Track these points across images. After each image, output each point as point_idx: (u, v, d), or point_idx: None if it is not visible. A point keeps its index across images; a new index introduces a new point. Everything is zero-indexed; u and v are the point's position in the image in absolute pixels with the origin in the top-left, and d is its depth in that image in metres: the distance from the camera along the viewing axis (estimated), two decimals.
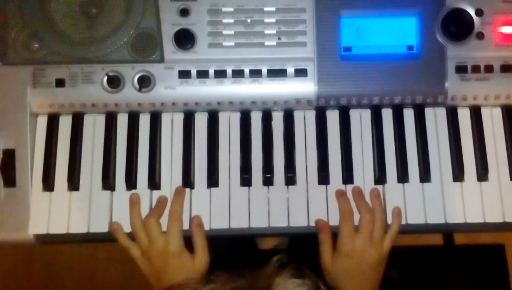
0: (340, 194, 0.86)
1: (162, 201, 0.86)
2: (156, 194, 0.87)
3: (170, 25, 0.88)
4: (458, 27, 0.88)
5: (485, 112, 0.90)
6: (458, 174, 0.87)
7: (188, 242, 0.84)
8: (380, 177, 0.87)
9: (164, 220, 0.85)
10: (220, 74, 0.88)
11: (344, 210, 0.84)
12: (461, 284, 1.25)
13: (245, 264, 1.11)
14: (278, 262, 0.71)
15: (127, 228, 0.85)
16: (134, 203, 0.85)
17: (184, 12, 0.88)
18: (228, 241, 0.88)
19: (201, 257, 0.83)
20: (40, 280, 1.62)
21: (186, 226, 0.85)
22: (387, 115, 0.90)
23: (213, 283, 0.68)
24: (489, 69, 0.88)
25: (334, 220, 0.85)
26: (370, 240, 0.82)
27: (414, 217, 0.86)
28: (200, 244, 0.83)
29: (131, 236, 0.85)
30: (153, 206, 0.86)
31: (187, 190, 0.87)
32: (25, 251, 1.59)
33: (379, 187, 0.87)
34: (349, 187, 0.87)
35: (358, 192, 0.86)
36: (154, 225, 0.83)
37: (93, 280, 1.62)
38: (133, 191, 0.87)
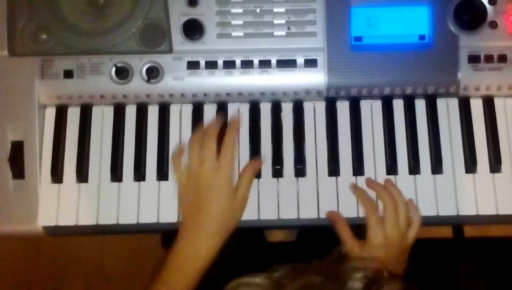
0: (356, 187, 0.85)
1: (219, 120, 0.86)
2: (164, 185, 0.87)
3: (178, 15, 0.87)
4: (471, 16, 0.86)
5: (498, 103, 0.89)
6: (470, 165, 0.86)
7: None
8: (391, 169, 0.87)
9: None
10: (229, 64, 0.87)
11: (366, 201, 0.83)
12: (471, 276, 1.24)
13: (254, 256, 1.11)
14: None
15: (142, 219, 0.85)
16: (201, 130, 0.85)
17: (193, 2, 0.87)
18: (236, 233, 0.87)
19: (243, 198, 0.83)
20: (48, 273, 1.63)
21: None
22: (398, 106, 0.89)
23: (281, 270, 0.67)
24: (502, 58, 0.86)
25: (345, 212, 0.85)
26: (398, 228, 0.81)
27: (425, 209, 0.85)
28: (245, 185, 0.83)
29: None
30: (161, 198, 0.86)
31: None
32: (33, 244, 1.60)
33: (390, 178, 0.86)
34: (360, 179, 0.86)
35: (372, 181, 0.85)
36: (212, 147, 0.82)
37: (101, 273, 1.63)
38: (143, 183, 0.87)
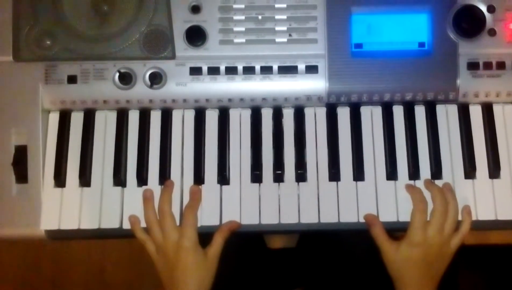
0: (411, 186, 0.86)
1: (169, 184, 0.86)
2: None
3: (181, 22, 0.88)
4: (470, 23, 0.87)
5: (497, 109, 0.90)
6: (469, 171, 0.87)
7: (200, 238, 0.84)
8: (391, 174, 0.87)
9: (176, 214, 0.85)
10: (231, 70, 0.88)
11: (418, 200, 0.83)
12: (471, 285, 1.24)
13: (254, 263, 1.11)
14: None
15: (144, 223, 0.85)
16: (148, 199, 0.86)
17: (196, 9, 0.89)
18: (236, 239, 0.88)
19: (215, 257, 0.84)
20: (49, 277, 1.63)
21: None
22: (398, 112, 0.90)
23: None
24: (501, 65, 0.87)
25: (344, 217, 0.85)
26: (441, 233, 0.81)
27: None
28: (219, 244, 0.84)
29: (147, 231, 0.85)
30: None
31: None
32: (34, 248, 1.60)
33: (390, 183, 0.87)
34: (360, 184, 0.87)
35: (430, 182, 0.86)
36: (169, 220, 0.83)
37: (102, 278, 1.63)
38: (145, 187, 0.87)
